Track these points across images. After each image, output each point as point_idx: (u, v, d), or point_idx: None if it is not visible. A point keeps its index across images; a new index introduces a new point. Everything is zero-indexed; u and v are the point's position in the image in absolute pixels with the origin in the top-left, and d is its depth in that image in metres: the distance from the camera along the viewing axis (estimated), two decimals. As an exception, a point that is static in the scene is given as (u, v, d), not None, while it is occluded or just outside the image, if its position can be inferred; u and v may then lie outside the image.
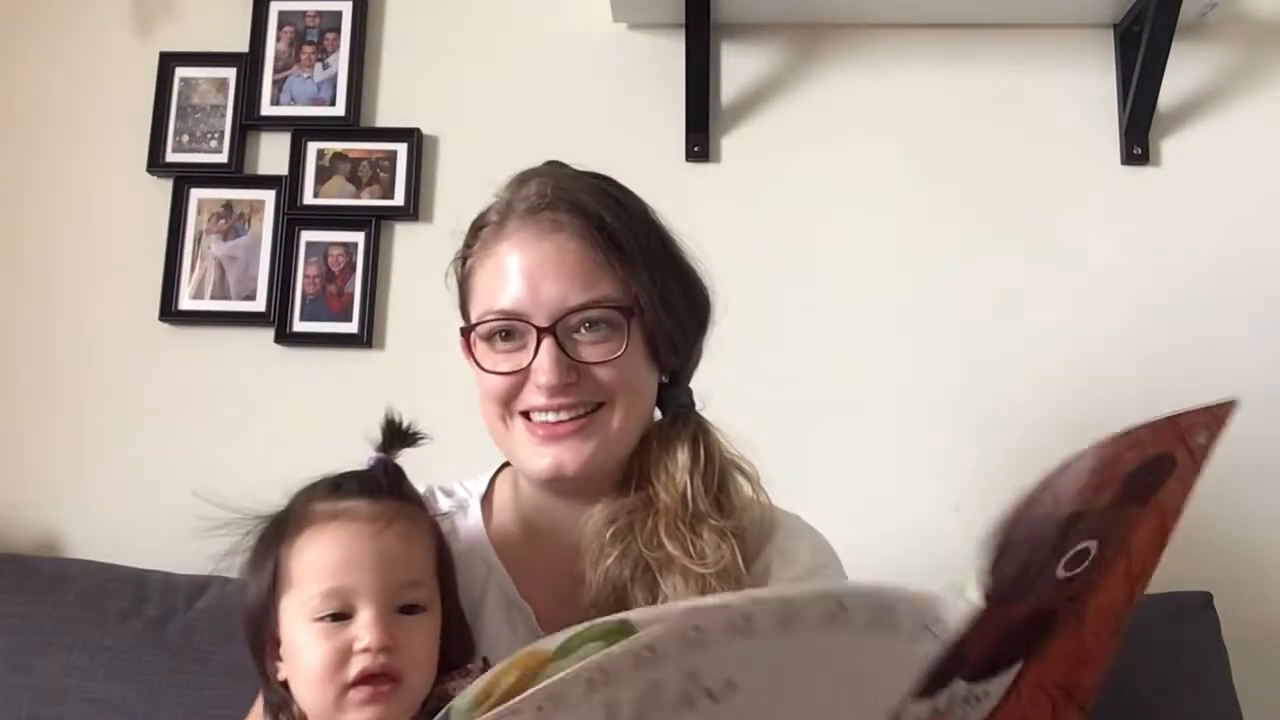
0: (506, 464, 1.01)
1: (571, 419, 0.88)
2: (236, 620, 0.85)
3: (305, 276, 1.59)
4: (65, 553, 1.53)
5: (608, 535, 0.88)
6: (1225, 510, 1.46)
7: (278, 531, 0.82)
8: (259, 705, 0.93)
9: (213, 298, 1.60)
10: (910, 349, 1.53)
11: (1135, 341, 1.52)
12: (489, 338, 0.90)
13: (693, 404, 0.96)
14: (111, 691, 1.25)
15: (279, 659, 0.80)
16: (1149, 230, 1.55)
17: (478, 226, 0.94)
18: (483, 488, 1.02)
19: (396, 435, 0.90)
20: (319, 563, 0.78)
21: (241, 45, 1.67)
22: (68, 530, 1.55)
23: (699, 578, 0.85)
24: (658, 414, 0.96)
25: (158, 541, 1.49)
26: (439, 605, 0.81)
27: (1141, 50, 1.48)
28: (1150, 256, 1.54)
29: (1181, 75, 1.55)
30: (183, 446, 1.57)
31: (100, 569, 1.38)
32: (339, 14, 1.66)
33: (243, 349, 1.59)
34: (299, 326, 1.59)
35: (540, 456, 0.88)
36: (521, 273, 0.87)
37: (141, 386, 1.59)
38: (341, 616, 0.76)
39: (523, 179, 0.94)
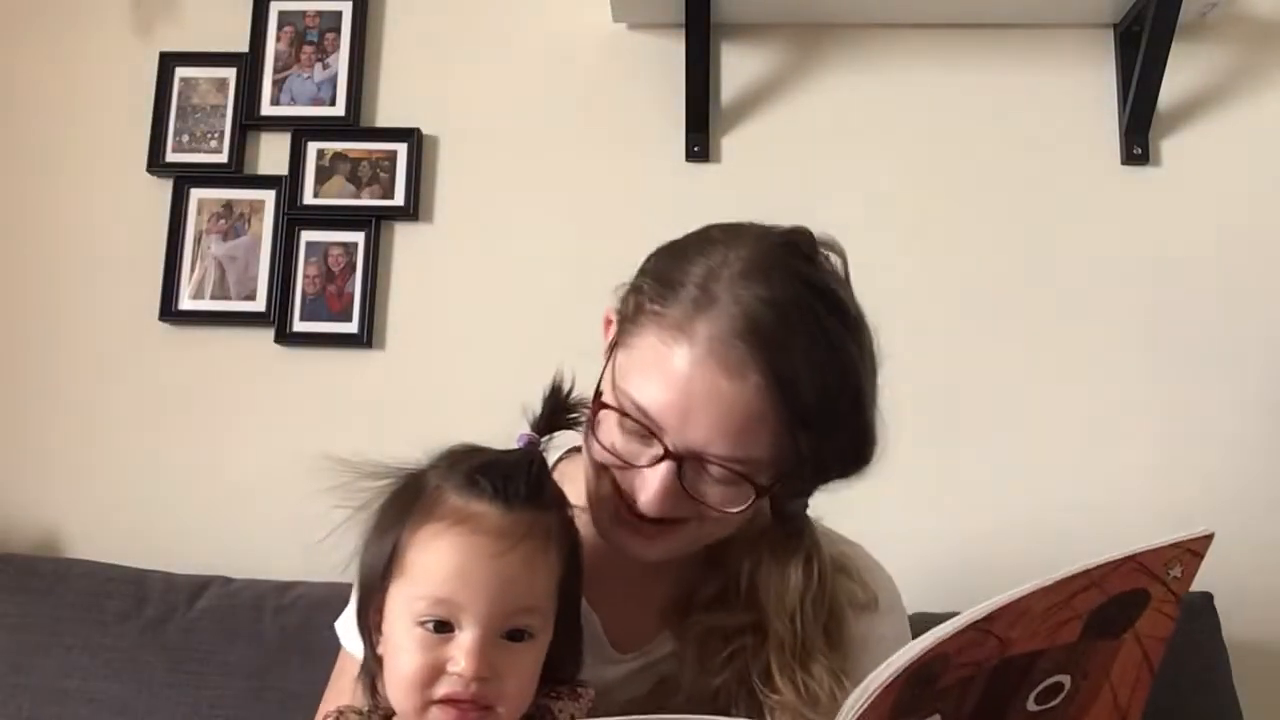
0: (566, 455, 0.96)
1: (656, 524, 0.82)
2: (353, 577, 0.80)
3: (305, 276, 1.59)
4: (65, 553, 1.53)
5: (721, 656, 0.83)
6: (1225, 510, 1.47)
7: (407, 507, 0.77)
8: (342, 668, 0.94)
9: (213, 298, 1.60)
10: (909, 348, 1.53)
11: (1134, 341, 1.52)
12: (616, 416, 0.81)
13: (806, 506, 0.89)
14: (111, 691, 1.25)
15: (381, 633, 0.78)
16: (1149, 230, 1.55)
17: (671, 285, 0.79)
18: None
19: (559, 409, 0.83)
20: (433, 568, 0.73)
21: (241, 45, 1.67)
22: (68, 530, 1.55)
23: None
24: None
25: (158, 541, 1.49)
26: (551, 627, 0.76)
27: (1141, 50, 1.48)
28: (1150, 256, 1.54)
29: (1181, 75, 1.55)
30: (183, 446, 1.57)
31: (100, 569, 1.38)
32: (339, 14, 1.66)
33: (243, 349, 1.59)
34: (299, 326, 1.59)
35: (616, 532, 0.84)
36: (682, 392, 0.76)
37: (141, 386, 1.59)
38: (444, 627, 0.72)
39: (743, 267, 0.78)
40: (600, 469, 0.83)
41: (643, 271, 0.84)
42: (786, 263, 0.80)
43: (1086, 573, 0.55)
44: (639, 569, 0.86)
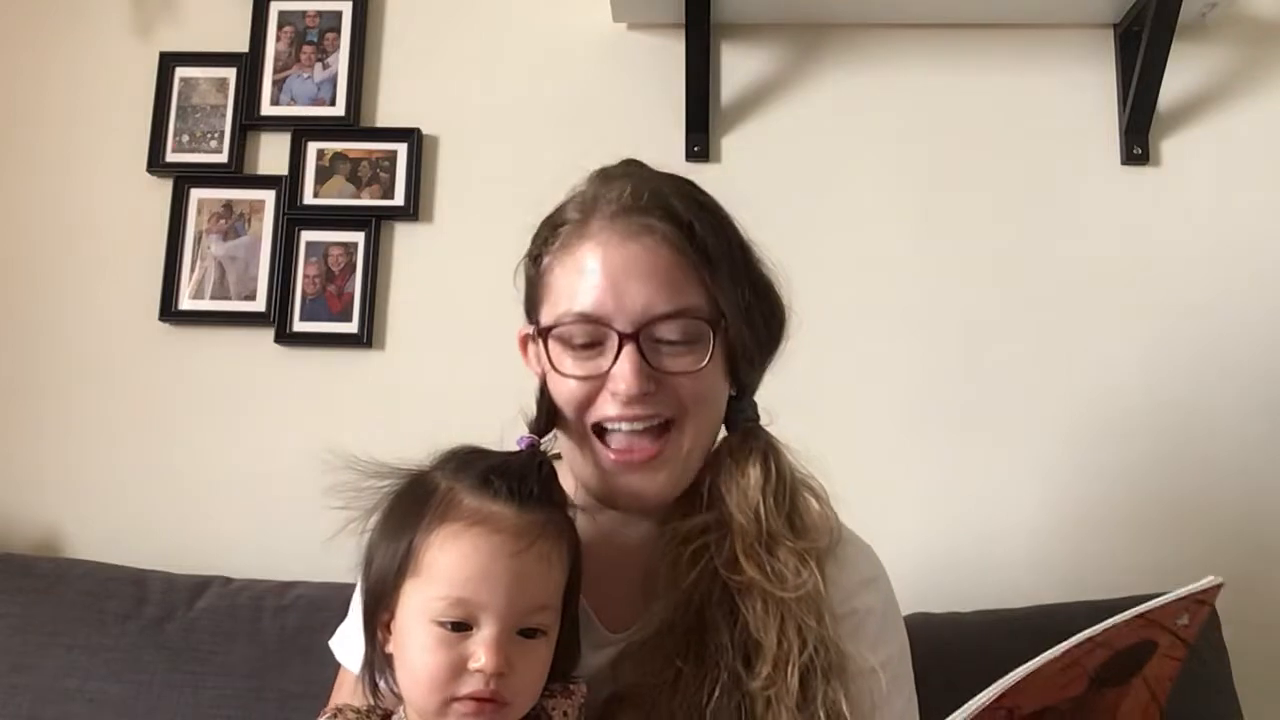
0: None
1: (645, 439, 0.86)
2: (360, 577, 0.82)
3: (305, 276, 1.59)
4: (65, 553, 1.53)
5: (686, 556, 0.86)
6: (1226, 510, 1.47)
7: (419, 510, 0.78)
8: (340, 684, 0.95)
9: (213, 298, 1.60)
10: (910, 348, 1.53)
11: (1135, 341, 1.52)
12: (565, 341, 0.87)
13: (758, 417, 0.94)
14: (111, 691, 1.25)
15: (390, 631, 0.79)
16: (1149, 230, 1.55)
17: (556, 223, 0.90)
18: None
19: (554, 409, 0.87)
20: (452, 568, 0.75)
21: (241, 45, 1.67)
22: (68, 530, 1.55)
23: (779, 601, 0.83)
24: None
25: (158, 541, 1.49)
26: (559, 624, 0.79)
27: (1141, 50, 1.48)
28: (1150, 256, 1.54)
29: (1181, 75, 1.55)
30: (183, 446, 1.57)
31: (100, 569, 1.38)
32: (339, 14, 1.66)
33: (243, 349, 1.59)
34: (299, 326, 1.59)
35: (621, 477, 0.87)
36: (605, 275, 0.84)
37: (141, 386, 1.59)
38: (462, 626, 0.74)
39: (605, 177, 0.91)
40: (577, 420, 0.87)
41: (527, 251, 0.93)
42: (635, 165, 0.94)
43: (1093, 638, 0.55)
44: (623, 556, 0.89)
